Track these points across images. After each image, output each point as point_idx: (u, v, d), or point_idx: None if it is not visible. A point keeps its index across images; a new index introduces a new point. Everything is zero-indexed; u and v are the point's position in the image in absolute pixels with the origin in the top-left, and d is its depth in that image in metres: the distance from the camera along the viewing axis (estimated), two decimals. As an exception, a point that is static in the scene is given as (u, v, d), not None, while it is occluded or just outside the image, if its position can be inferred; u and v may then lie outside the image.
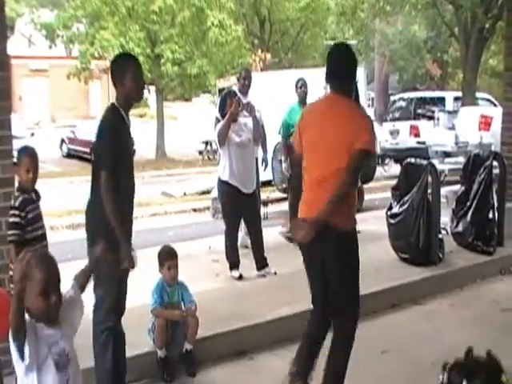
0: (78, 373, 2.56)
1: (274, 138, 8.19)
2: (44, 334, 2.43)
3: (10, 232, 3.80)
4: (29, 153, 4.06)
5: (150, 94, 24.36)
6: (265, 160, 7.55)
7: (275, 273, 6.31)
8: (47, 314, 2.43)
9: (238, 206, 6.24)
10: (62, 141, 24.26)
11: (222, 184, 6.26)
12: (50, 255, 2.55)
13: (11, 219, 3.80)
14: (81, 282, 2.71)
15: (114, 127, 3.63)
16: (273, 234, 8.10)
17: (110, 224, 3.52)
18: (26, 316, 2.38)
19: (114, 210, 3.52)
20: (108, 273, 3.53)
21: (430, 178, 6.25)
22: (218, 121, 7.17)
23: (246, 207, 6.25)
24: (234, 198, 6.18)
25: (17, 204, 3.83)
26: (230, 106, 6.09)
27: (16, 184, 4.01)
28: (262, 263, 6.29)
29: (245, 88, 7.10)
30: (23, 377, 2.41)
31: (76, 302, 2.64)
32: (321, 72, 12.84)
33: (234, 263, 6.34)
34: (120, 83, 3.67)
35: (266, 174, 8.75)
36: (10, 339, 2.33)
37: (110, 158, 3.54)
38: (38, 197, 4.06)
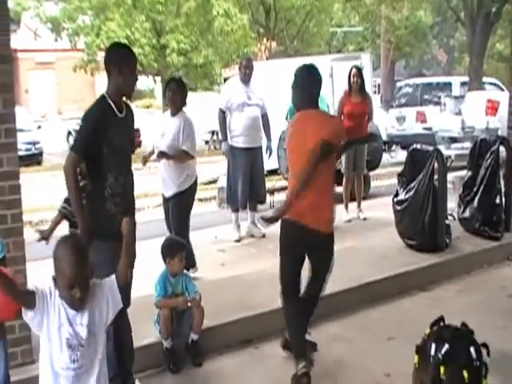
0: (92, 360, 2.60)
1: (279, 125, 8.16)
2: (65, 309, 2.52)
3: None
4: None
5: (155, 85, 24.34)
6: (269, 148, 7.52)
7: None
8: (71, 302, 2.51)
9: None
10: (69, 133, 24.25)
11: None
12: (78, 244, 2.59)
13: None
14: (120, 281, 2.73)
15: (97, 116, 3.63)
16: (278, 223, 8.09)
17: (106, 212, 3.53)
18: (46, 288, 2.51)
19: (73, 189, 3.58)
20: (104, 260, 3.53)
21: (436, 164, 6.21)
22: (221, 112, 7.20)
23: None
24: None
25: None
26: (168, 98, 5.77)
27: None
28: None
29: (246, 77, 7.10)
30: (42, 345, 2.53)
31: (107, 295, 2.65)
32: (326, 59, 12.83)
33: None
34: (113, 74, 3.64)
35: (271, 163, 8.74)
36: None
37: (81, 141, 3.63)
38: None
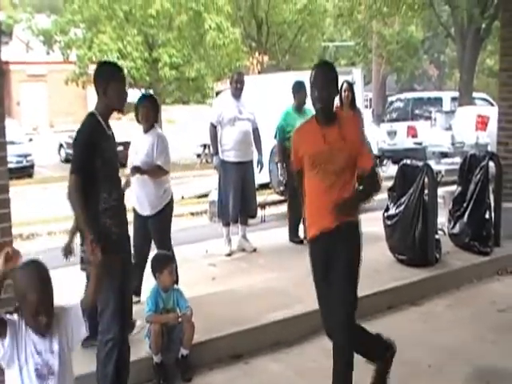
0: None
1: (270, 140, 8.19)
2: (31, 339, 2.46)
3: None
4: None
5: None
6: (260, 162, 7.52)
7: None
8: (36, 328, 2.46)
9: None
10: (61, 146, 24.24)
11: None
12: (41, 269, 2.49)
13: None
14: (85, 304, 2.68)
15: (89, 132, 3.63)
16: (270, 238, 8.11)
17: (101, 226, 3.56)
18: (14, 316, 2.44)
19: (80, 206, 3.51)
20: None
21: (426, 179, 6.24)
22: (212, 126, 7.22)
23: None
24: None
25: None
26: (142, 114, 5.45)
27: None
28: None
29: (237, 91, 7.13)
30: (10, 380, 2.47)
31: (72, 322, 2.59)
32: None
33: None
34: (103, 92, 3.64)
35: (262, 177, 8.75)
36: None
37: (78, 160, 3.60)
38: None
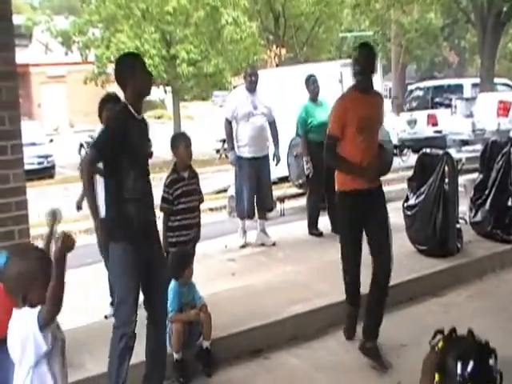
0: None
1: (288, 133, 8.15)
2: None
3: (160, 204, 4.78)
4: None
5: (166, 95, 24.45)
6: (277, 155, 7.49)
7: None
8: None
9: None
10: (81, 145, 24.32)
11: None
12: (35, 249, 2.57)
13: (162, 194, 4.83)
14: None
15: (117, 117, 3.72)
16: (289, 231, 8.08)
17: (125, 214, 3.59)
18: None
19: (87, 185, 3.59)
20: (118, 262, 3.57)
21: (446, 168, 6.16)
22: (227, 122, 7.21)
23: None
24: None
25: (166, 183, 4.86)
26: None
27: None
28: None
29: (252, 85, 7.11)
30: (33, 369, 2.40)
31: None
32: (336, 65, 12.69)
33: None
34: (130, 80, 3.66)
35: (281, 170, 8.72)
36: (38, 329, 2.33)
37: (101, 141, 3.66)
38: (191, 175, 4.94)
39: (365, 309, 4.44)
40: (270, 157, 7.39)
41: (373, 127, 4.37)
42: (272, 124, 7.33)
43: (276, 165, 7.54)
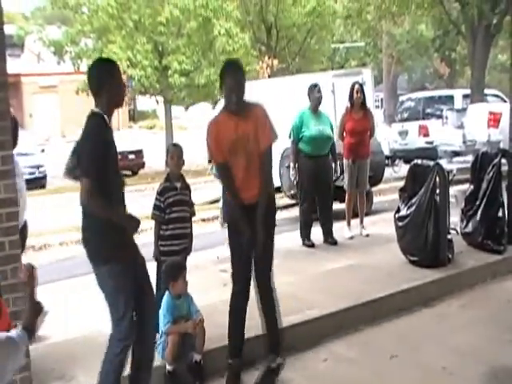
0: None
1: (280, 144, 8.14)
2: None
3: (152, 212, 4.80)
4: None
5: (158, 105, 24.44)
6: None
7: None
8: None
9: None
10: (73, 156, 24.35)
11: None
12: None
13: (154, 202, 4.81)
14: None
15: (99, 132, 3.51)
16: (281, 242, 8.05)
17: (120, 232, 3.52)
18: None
19: (104, 210, 3.46)
20: (117, 283, 3.54)
21: (437, 179, 6.18)
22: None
23: None
24: None
25: (158, 191, 4.82)
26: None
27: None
28: None
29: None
30: None
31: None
32: (328, 76, 12.73)
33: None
34: (107, 86, 3.53)
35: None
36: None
37: (96, 167, 3.40)
38: (183, 186, 4.90)
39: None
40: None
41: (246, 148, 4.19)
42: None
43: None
